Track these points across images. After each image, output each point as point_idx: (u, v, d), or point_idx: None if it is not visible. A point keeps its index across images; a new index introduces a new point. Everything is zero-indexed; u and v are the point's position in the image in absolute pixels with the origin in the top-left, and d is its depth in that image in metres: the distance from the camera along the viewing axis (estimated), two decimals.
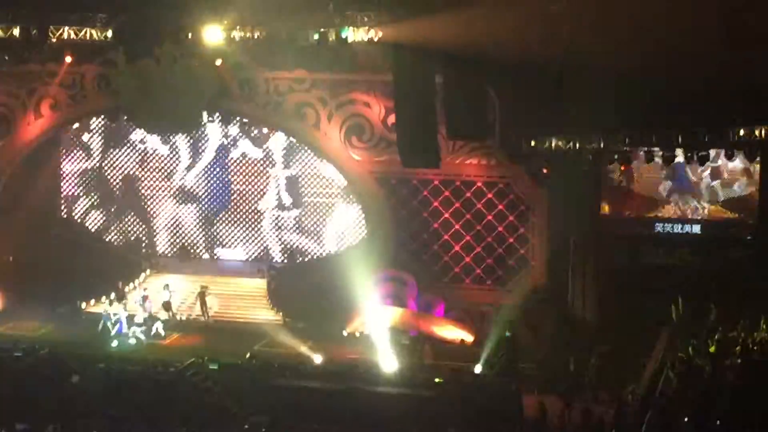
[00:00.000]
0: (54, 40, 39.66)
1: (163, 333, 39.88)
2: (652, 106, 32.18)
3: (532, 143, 36.06)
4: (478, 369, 34.69)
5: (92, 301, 42.30)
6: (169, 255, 47.82)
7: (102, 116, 46.08)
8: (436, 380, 32.29)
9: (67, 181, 48.19)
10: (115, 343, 38.83)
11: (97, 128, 47.65)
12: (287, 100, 42.10)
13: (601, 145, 34.93)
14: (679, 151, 35.14)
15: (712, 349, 30.29)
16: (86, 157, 48.11)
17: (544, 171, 38.28)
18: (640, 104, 32.03)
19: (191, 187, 47.49)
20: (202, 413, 29.79)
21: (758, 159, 35.90)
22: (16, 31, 39.34)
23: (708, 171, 37.98)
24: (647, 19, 30.44)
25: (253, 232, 47.11)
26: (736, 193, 38.04)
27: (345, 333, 40.08)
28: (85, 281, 43.38)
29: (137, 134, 47.10)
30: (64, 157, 48.02)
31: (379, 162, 41.72)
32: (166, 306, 41.69)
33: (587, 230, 38.02)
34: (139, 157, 47.73)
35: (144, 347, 38.43)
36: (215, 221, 47.48)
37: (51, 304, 42.18)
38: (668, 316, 32.99)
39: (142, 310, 40.43)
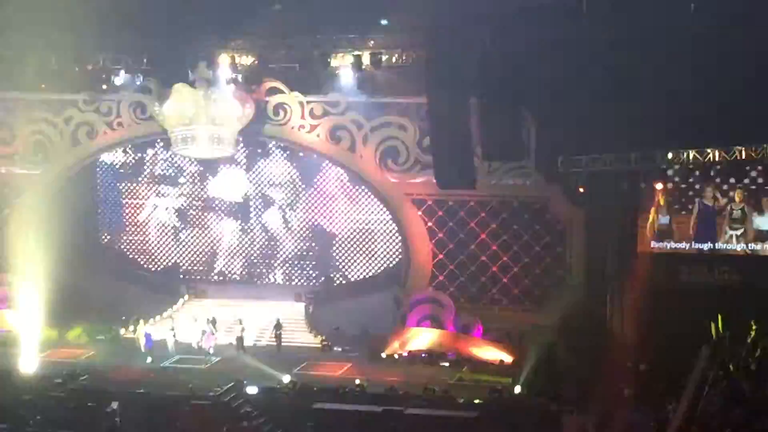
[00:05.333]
0: (90, 68, 39.98)
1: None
2: (689, 125, 32.08)
3: (568, 163, 35.96)
4: (517, 389, 34.56)
5: (131, 327, 42.29)
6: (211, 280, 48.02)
7: (139, 142, 46.24)
8: (476, 401, 32.21)
9: (106, 207, 48.41)
10: (148, 360, 39.06)
11: (134, 154, 47.85)
12: (322, 124, 42.19)
13: (638, 164, 34.80)
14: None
15: (753, 367, 30.03)
16: (125, 183, 48.36)
17: (581, 190, 38.18)
18: (678, 123, 31.93)
19: (231, 212, 47.61)
20: None
21: None
22: (54, 60, 39.70)
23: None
24: (685, 38, 30.40)
25: (292, 256, 47.19)
26: None
27: (384, 355, 40.00)
28: (124, 307, 43.50)
29: (175, 160, 47.29)
30: (101, 183, 48.26)
31: (415, 184, 41.71)
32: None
33: (625, 249, 37.81)
34: (178, 183, 47.89)
35: (181, 372, 38.54)
36: (255, 246, 47.65)
37: (92, 330, 42.36)
38: (708, 335, 32.74)
39: (198, 341, 40.57)
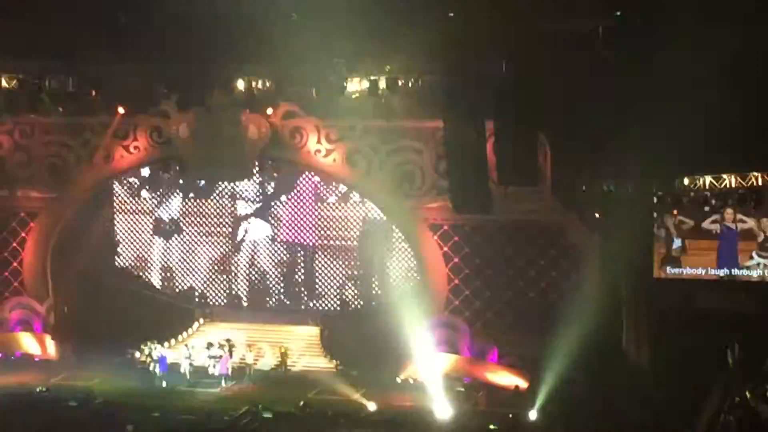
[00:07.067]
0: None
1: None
2: (707, 151, 32.08)
3: (585, 188, 35.96)
4: (533, 416, 34.47)
5: (146, 350, 42.25)
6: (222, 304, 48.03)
7: (155, 166, 46.30)
8: (491, 427, 32.16)
9: (121, 230, 48.55)
10: (163, 384, 39.13)
11: (150, 177, 47.97)
12: (338, 148, 42.23)
13: (654, 190, 34.82)
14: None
15: None
16: (140, 206, 48.49)
17: (597, 215, 38.13)
18: (695, 149, 31.91)
19: (245, 236, 47.68)
20: None
21: None
22: (70, 83, 39.87)
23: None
24: (702, 64, 30.39)
25: (306, 279, 47.20)
26: None
27: (398, 380, 39.94)
28: (138, 330, 43.51)
29: (192, 183, 47.44)
30: (117, 206, 48.40)
31: (431, 209, 41.72)
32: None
33: (641, 275, 37.72)
34: (193, 205, 48.01)
35: (196, 396, 38.54)
36: (270, 269, 47.68)
37: (106, 354, 42.39)
38: (725, 361, 32.67)
39: (213, 365, 40.62)
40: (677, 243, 37.46)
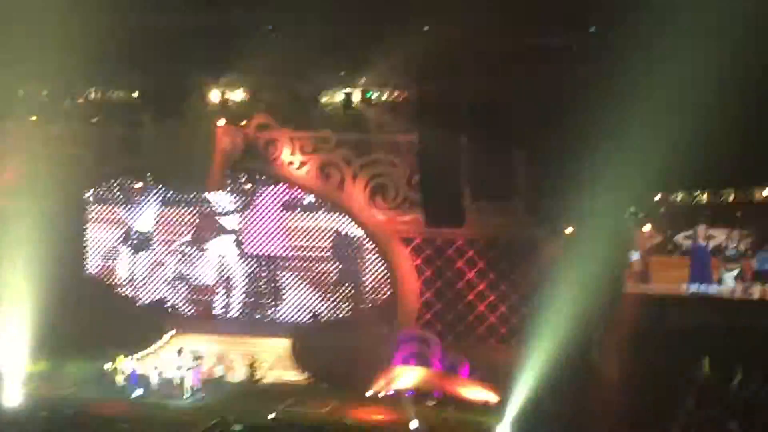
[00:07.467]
0: (81, 101, 40.00)
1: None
2: (680, 167, 32.25)
3: (558, 203, 36.10)
4: (503, 430, 34.51)
5: (116, 362, 42.07)
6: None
7: (128, 175, 46.16)
8: None
9: (92, 240, 48.38)
10: (133, 395, 39.03)
11: (123, 187, 47.82)
12: (312, 160, 42.23)
13: (626, 206, 34.99)
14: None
15: (739, 409, 30.12)
16: (111, 216, 48.32)
17: (569, 231, 38.25)
18: (669, 165, 32.08)
19: (215, 247, 47.60)
20: None
21: None
22: (45, 93, 39.73)
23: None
24: (677, 82, 30.59)
25: (277, 291, 47.13)
26: None
27: (369, 393, 39.92)
28: (108, 342, 43.26)
29: (163, 193, 47.32)
30: (88, 215, 48.22)
31: (404, 222, 41.78)
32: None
33: (612, 290, 37.86)
34: (165, 216, 47.90)
35: (166, 408, 38.40)
36: (239, 282, 47.58)
37: (76, 365, 42.20)
38: (695, 378, 32.83)
39: (182, 377, 40.47)
40: (646, 258, 37.71)
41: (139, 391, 39.54)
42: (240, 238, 47.36)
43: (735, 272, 37.07)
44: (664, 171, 32.92)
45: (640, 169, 32.77)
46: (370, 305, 45.14)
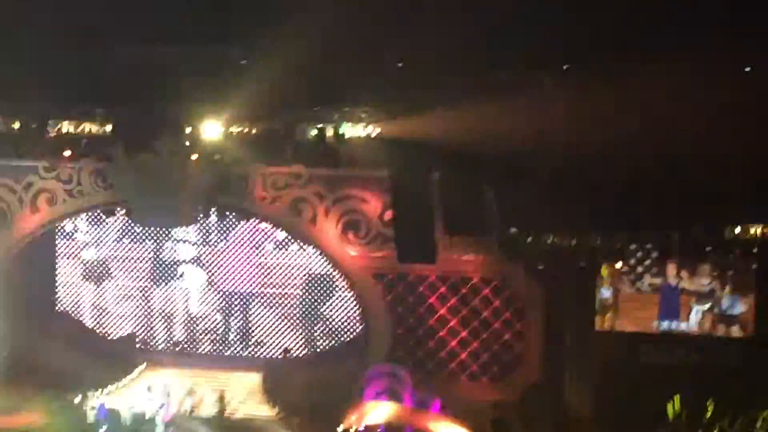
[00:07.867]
0: (53, 134, 39.91)
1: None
2: (651, 206, 32.50)
3: (529, 240, 36.26)
4: None
5: (87, 395, 41.84)
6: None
7: (99, 210, 46.04)
8: None
9: (63, 274, 48.20)
10: (102, 430, 38.77)
11: (94, 221, 47.71)
12: (284, 195, 42.23)
13: (599, 243, 35.19)
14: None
15: None
16: (81, 251, 48.18)
17: (540, 267, 38.38)
18: (639, 204, 32.32)
19: (186, 282, 47.48)
20: None
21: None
22: (16, 125, 39.64)
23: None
24: (647, 119, 30.83)
25: (247, 326, 47.01)
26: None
27: (340, 429, 39.79)
28: (78, 376, 43.01)
29: (134, 228, 47.20)
30: (60, 250, 48.07)
31: (376, 258, 41.70)
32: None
33: (584, 327, 38.00)
34: (135, 251, 47.75)
35: None
36: (211, 316, 47.48)
37: (45, 399, 41.85)
38: (665, 413, 32.91)
39: (153, 412, 40.19)
40: (613, 295, 37.94)
41: (108, 426, 39.26)
42: (211, 273, 47.36)
43: (704, 308, 37.35)
44: (634, 209, 33.15)
45: (611, 208, 32.96)
46: (341, 341, 45.08)
